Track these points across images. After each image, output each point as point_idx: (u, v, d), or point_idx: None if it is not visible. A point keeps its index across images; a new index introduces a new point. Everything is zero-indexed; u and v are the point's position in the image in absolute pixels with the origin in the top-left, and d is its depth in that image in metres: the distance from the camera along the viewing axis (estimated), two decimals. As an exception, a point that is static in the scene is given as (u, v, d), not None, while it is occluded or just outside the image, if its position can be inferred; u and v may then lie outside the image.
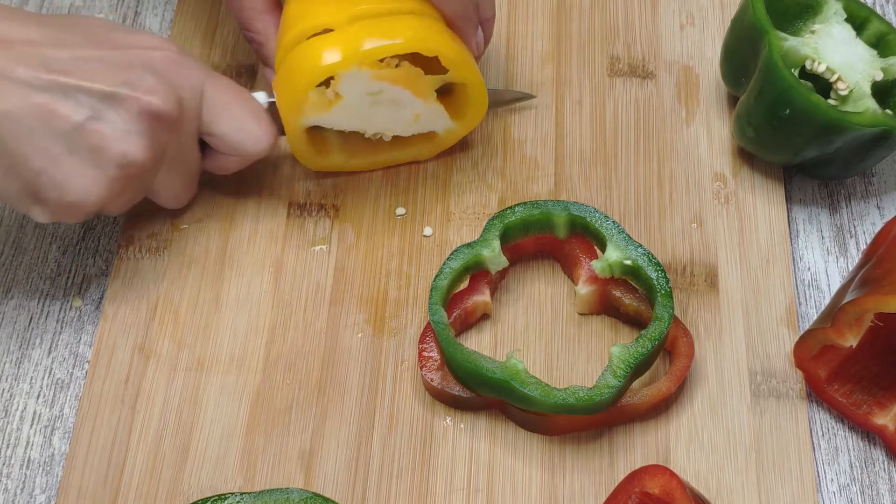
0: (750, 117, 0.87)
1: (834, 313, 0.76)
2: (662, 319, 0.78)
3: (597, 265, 0.81)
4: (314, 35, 0.81)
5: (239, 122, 0.82)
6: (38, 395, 0.82)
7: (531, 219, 0.83)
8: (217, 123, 0.82)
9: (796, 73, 0.86)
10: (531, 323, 0.84)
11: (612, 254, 0.81)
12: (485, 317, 0.84)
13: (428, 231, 0.87)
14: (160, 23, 0.99)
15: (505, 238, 0.82)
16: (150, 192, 0.83)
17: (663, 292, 0.79)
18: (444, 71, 0.83)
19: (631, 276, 0.81)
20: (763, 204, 0.89)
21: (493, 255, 0.82)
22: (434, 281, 0.80)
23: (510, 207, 0.83)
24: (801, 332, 0.80)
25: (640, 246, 0.81)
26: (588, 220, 0.82)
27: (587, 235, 0.83)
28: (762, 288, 0.85)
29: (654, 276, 0.79)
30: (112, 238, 0.88)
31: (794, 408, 0.80)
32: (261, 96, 0.85)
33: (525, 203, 0.83)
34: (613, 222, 0.82)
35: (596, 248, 0.83)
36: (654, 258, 0.80)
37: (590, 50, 0.97)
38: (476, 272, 0.82)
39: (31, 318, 0.85)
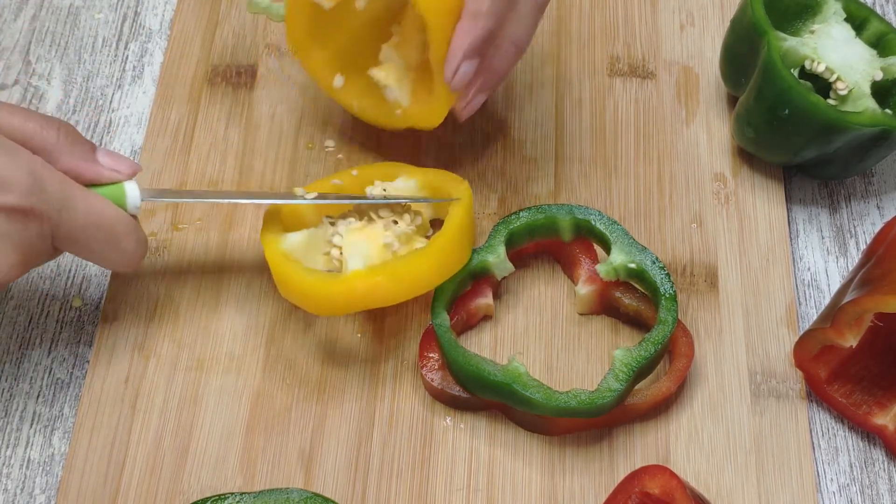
0: (749, 117, 0.87)
1: (834, 313, 0.76)
2: (666, 323, 0.78)
3: (601, 268, 0.81)
4: None
5: (98, 256, 0.76)
6: (38, 395, 0.82)
7: (536, 223, 0.83)
8: (74, 250, 0.75)
9: (796, 73, 0.86)
10: (531, 323, 0.84)
11: (617, 257, 0.80)
12: (486, 317, 0.84)
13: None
14: (160, 23, 0.99)
15: (510, 243, 0.82)
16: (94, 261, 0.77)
17: (667, 296, 0.79)
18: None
19: (635, 280, 0.81)
20: (763, 204, 0.89)
21: (499, 262, 0.81)
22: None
23: (515, 213, 0.83)
24: (801, 332, 0.80)
25: (645, 249, 0.80)
26: (593, 223, 0.82)
27: (592, 238, 0.83)
28: (762, 288, 0.85)
29: (658, 279, 0.79)
30: (112, 238, 0.88)
31: (794, 408, 0.80)
32: (133, 192, 0.77)
33: (529, 208, 0.83)
34: (618, 225, 0.82)
35: (598, 250, 0.83)
36: (659, 261, 0.80)
37: (590, 50, 0.97)
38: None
39: (31, 318, 0.85)
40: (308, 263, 0.79)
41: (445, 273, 0.79)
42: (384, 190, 0.83)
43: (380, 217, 0.81)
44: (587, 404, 0.75)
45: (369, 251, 0.79)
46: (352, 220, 0.81)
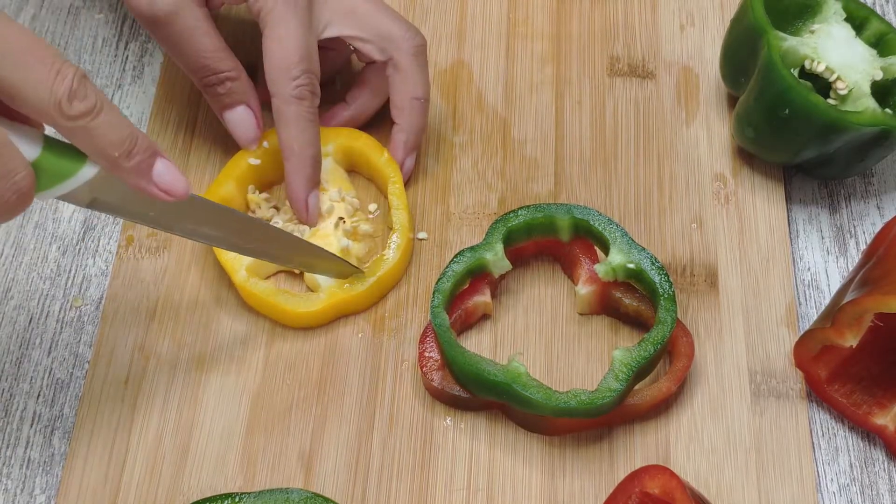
0: (749, 117, 0.87)
1: (834, 313, 0.76)
2: (665, 323, 0.78)
3: (600, 269, 0.81)
4: None
5: None
6: (38, 395, 0.82)
7: (534, 222, 0.83)
8: None
9: (796, 73, 0.86)
10: (531, 323, 0.84)
11: (616, 257, 0.80)
12: (485, 317, 0.84)
13: (426, 232, 0.87)
14: (160, 23, 0.99)
15: (508, 241, 0.82)
16: None
17: (666, 296, 0.79)
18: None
19: (634, 280, 0.81)
20: (763, 204, 0.89)
21: (497, 259, 0.81)
22: (437, 284, 0.80)
23: (513, 211, 0.83)
24: (801, 332, 0.80)
25: (644, 249, 0.80)
26: (591, 223, 0.82)
27: (590, 238, 0.83)
28: (762, 288, 0.85)
29: (657, 279, 0.79)
30: (112, 238, 0.88)
31: (794, 408, 0.80)
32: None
33: (528, 206, 0.83)
34: (617, 225, 0.81)
35: (598, 250, 0.83)
36: (658, 262, 0.80)
37: (590, 50, 0.97)
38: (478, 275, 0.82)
39: (31, 318, 0.85)
40: (266, 269, 0.85)
41: (408, 250, 0.85)
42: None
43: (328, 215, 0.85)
44: (587, 404, 0.75)
45: None
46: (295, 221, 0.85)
